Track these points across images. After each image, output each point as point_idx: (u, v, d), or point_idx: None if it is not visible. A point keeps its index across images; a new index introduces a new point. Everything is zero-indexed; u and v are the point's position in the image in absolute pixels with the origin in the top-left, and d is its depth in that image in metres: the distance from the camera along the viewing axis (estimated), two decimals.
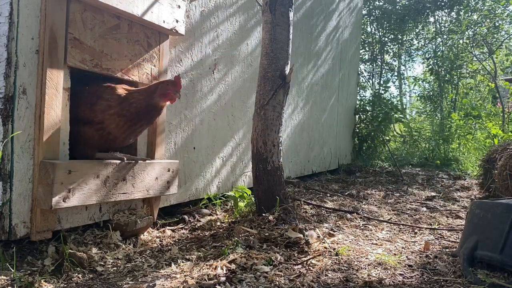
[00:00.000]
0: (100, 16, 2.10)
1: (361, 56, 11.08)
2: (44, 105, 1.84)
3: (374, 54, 11.98)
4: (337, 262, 2.04)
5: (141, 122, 2.19)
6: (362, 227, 2.83)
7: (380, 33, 11.79)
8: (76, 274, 1.78)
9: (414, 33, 12.27)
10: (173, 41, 2.65)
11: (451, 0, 10.64)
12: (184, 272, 1.84)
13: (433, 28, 12.20)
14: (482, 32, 10.12)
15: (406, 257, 2.18)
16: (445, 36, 11.28)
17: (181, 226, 2.69)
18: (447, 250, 2.35)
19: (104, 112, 2.11)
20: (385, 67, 12.36)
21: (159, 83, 2.23)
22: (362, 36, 10.90)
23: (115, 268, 1.91)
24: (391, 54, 12.69)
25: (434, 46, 11.91)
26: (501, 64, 11.93)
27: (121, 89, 2.19)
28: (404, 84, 16.69)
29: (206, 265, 1.91)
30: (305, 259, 2.04)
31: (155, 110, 2.21)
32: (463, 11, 10.77)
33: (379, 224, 2.95)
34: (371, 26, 11.82)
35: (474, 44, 10.35)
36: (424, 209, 3.61)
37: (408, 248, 2.38)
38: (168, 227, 2.63)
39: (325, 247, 2.25)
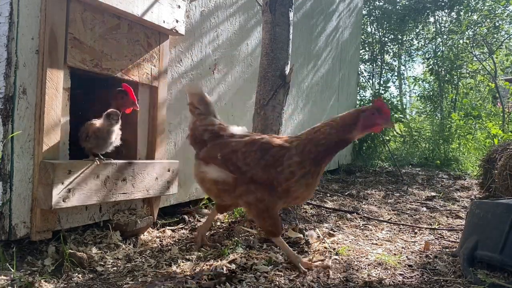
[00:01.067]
0: (100, 16, 2.10)
1: (361, 56, 11.10)
2: (44, 105, 1.84)
3: (374, 54, 12.00)
4: (337, 262, 2.04)
5: (326, 160, 1.87)
6: (362, 227, 2.83)
7: (380, 33, 11.80)
8: (76, 274, 1.78)
9: (414, 33, 12.30)
10: (173, 41, 2.65)
11: (451, 0, 10.65)
12: (184, 272, 1.84)
13: (433, 28, 12.22)
14: (482, 32, 10.13)
15: (406, 257, 2.18)
16: (445, 36, 11.30)
17: (181, 226, 2.68)
18: (447, 250, 2.35)
19: (289, 180, 1.83)
20: (385, 67, 12.38)
21: (358, 112, 1.82)
22: (362, 36, 10.91)
23: (115, 268, 1.91)
24: (391, 54, 12.72)
25: (434, 46, 11.93)
26: (501, 64, 11.96)
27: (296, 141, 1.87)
28: (404, 84, 16.73)
29: (206, 265, 1.91)
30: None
31: (346, 144, 1.87)
32: (463, 11, 10.79)
33: (379, 224, 2.95)
34: (371, 26, 11.83)
35: (474, 44, 10.37)
36: (424, 209, 3.61)
37: (408, 248, 2.38)
38: (168, 227, 2.62)
39: (325, 247, 2.25)
